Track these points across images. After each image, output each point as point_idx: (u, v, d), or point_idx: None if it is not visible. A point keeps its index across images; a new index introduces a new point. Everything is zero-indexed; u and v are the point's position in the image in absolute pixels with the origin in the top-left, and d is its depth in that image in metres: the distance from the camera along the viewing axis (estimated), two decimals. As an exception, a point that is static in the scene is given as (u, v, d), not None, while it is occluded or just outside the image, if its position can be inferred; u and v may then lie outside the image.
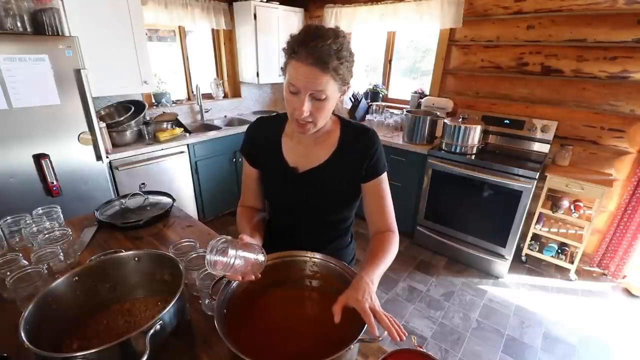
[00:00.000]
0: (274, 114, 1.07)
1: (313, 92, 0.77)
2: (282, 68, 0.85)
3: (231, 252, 0.66)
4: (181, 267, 0.75)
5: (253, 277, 0.72)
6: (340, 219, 1.03)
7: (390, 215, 0.96)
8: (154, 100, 3.07)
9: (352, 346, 0.59)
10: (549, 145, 2.52)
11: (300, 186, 0.97)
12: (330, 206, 0.99)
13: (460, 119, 2.51)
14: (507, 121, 2.64)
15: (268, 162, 1.00)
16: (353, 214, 1.07)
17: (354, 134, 0.95)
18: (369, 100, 3.46)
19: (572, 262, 2.44)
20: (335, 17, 3.37)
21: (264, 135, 1.01)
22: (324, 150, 0.95)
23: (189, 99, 3.39)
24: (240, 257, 0.68)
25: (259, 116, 1.09)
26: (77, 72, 1.89)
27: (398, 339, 0.62)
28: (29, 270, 0.86)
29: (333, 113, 0.94)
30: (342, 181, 0.95)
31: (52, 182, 1.95)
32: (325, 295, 0.83)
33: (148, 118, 2.69)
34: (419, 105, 3.11)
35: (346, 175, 0.95)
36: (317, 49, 0.73)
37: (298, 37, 0.77)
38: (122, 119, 2.42)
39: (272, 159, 0.98)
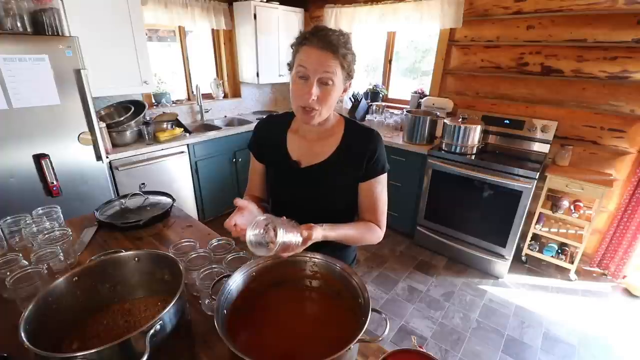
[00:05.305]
0: (282, 112, 1.10)
1: (322, 76, 0.82)
2: (288, 63, 0.90)
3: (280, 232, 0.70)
4: (181, 267, 0.75)
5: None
6: (342, 217, 1.04)
7: (382, 214, 1.00)
8: (154, 100, 3.07)
9: (352, 346, 0.59)
10: (549, 145, 2.52)
11: (302, 180, 1.00)
12: (331, 202, 1.01)
13: (460, 119, 2.51)
14: (507, 121, 2.64)
15: (273, 156, 1.04)
16: (354, 213, 1.08)
17: (357, 134, 0.98)
18: (369, 100, 3.46)
19: (572, 262, 2.44)
20: (335, 17, 3.36)
21: (271, 131, 1.05)
22: (327, 147, 0.98)
23: (189, 99, 3.39)
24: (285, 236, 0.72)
25: (266, 114, 1.13)
26: (77, 72, 1.89)
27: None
28: (29, 270, 0.86)
29: (339, 114, 0.98)
30: (343, 178, 0.98)
31: (52, 182, 1.95)
32: (325, 295, 0.83)
33: (148, 118, 2.69)
34: (419, 105, 3.11)
35: (347, 173, 0.98)
36: (328, 36, 0.82)
37: (308, 30, 0.85)
38: (122, 119, 2.42)
39: (277, 153, 1.02)
